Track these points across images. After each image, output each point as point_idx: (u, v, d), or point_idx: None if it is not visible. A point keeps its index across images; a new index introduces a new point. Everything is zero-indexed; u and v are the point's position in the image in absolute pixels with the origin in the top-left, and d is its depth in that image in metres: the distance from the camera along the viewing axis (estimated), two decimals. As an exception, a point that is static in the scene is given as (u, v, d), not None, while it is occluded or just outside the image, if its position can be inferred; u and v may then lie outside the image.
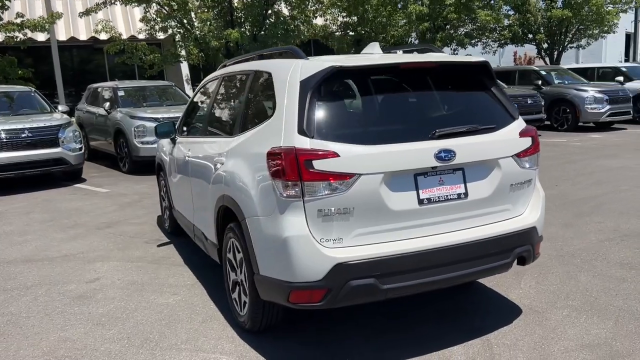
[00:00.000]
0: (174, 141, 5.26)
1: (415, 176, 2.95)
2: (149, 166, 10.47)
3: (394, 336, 3.41)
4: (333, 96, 3.02)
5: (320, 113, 2.92)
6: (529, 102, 13.39)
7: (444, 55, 3.55)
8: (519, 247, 3.23)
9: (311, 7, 14.75)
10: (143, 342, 3.49)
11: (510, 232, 3.17)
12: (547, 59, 20.62)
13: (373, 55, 3.54)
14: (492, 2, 16.86)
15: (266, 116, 3.25)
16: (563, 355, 3.08)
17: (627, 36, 42.46)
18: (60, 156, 9.16)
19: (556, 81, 15.03)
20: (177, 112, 10.55)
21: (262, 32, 15.18)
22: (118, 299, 4.21)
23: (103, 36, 16.53)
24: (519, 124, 3.33)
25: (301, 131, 2.85)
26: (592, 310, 3.64)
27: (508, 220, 3.24)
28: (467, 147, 3.02)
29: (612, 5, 19.62)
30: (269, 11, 14.89)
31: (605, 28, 19.75)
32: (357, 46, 16.87)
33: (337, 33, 17.25)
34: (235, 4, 15.20)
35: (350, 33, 17.54)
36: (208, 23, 13.53)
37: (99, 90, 12.28)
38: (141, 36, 18.71)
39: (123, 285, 4.52)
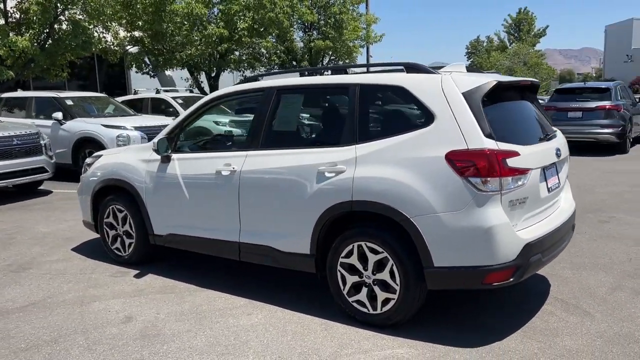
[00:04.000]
0: (167, 158, 4.81)
1: (544, 170, 3.74)
2: None
3: (490, 319, 4.08)
4: (493, 105, 3.59)
5: (491, 119, 3.46)
6: None
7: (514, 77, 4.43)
8: (574, 223, 4.30)
9: (109, 15, 13.62)
10: (304, 358, 3.38)
11: (573, 211, 4.21)
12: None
13: (491, 73, 4.21)
14: (269, 30, 18.22)
15: (413, 124, 3.61)
16: (612, 293, 4.25)
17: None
18: None
19: None
20: (16, 130, 8.77)
21: (50, 41, 13.42)
22: (197, 330, 3.81)
23: None
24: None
25: (487, 135, 3.35)
26: (586, 267, 4.95)
27: (568, 202, 4.27)
28: (561, 147, 3.96)
29: (353, 42, 23.27)
30: (60, 18, 13.27)
31: (349, 59, 23.32)
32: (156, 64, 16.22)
33: (130, 48, 16.27)
34: (11, 8, 13.11)
35: (132, 49, 16.72)
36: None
37: None
38: None
39: (173, 318, 4.05)
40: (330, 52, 22.46)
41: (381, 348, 3.49)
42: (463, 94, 3.48)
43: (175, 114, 12.87)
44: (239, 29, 16.15)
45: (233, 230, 4.40)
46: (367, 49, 25.02)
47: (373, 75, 3.96)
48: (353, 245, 3.77)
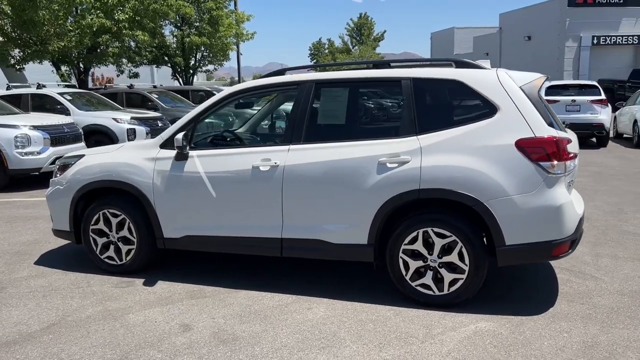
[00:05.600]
0: (184, 157, 4.50)
1: (575, 155, 4.29)
2: None
3: (528, 291, 4.56)
4: (539, 98, 4.01)
5: (545, 110, 3.89)
6: None
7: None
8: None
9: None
10: (402, 343, 3.50)
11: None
12: (181, 80, 22.34)
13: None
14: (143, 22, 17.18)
15: (476, 115, 3.89)
16: (597, 260, 4.98)
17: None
18: None
19: None
20: None
21: None
22: (272, 329, 3.71)
23: None
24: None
25: (549, 124, 3.78)
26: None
27: None
28: None
29: (228, 38, 22.95)
30: None
31: (223, 57, 23.01)
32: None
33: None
34: None
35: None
36: None
37: None
38: None
39: (234, 320, 3.87)
40: (204, 49, 21.90)
41: (463, 324, 3.73)
42: (521, 87, 3.86)
43: (65, 112, 11.64)
44: (120, 20, 15.02)
45: (274, 227, 4.30)
46: (238, 46, 24.82)
47: (425, 70, 4.17)
48: (418, 232, 3.95)
